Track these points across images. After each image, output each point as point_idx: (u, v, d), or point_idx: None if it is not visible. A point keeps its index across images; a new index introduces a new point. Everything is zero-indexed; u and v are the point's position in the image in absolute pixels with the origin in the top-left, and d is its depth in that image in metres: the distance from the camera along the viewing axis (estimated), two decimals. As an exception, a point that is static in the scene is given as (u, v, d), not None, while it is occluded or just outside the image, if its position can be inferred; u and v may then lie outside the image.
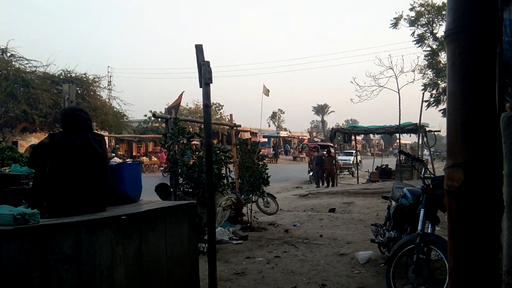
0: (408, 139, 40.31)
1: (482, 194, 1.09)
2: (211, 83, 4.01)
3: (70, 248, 2.56)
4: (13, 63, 21.23)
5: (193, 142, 6.56)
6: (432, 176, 4.32)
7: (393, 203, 4.60)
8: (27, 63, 21.61)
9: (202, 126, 4.67)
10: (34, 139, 25.72)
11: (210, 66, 4.07)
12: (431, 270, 3.40)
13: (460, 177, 1.11)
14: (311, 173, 20.11)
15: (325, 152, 18.89)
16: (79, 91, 22.04)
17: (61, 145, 3.03)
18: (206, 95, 3.99)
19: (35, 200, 3.04)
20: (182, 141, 6.17)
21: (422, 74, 16.18)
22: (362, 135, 23.77)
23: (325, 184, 17.13)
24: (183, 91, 8.07)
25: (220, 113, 39.06)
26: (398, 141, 16.79)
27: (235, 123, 8.63)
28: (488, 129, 1.11)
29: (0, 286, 2.26)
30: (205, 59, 4.10)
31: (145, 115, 33.93)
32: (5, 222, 2.39)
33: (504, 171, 2.54)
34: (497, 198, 1.11)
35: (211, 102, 4.28)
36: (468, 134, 1.11)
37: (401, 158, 15.46)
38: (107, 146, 3.40)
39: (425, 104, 14.72)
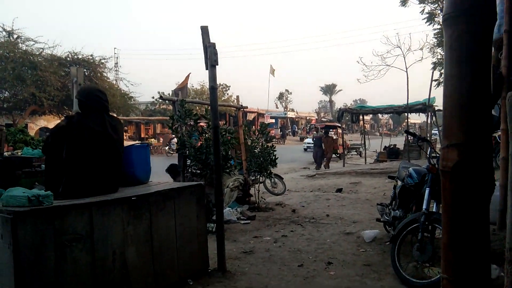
0: (417, 119, 39.98)
1: (475, 174, 1.13)
2: (217, 65, 4.03)
3: (83, 228, 2.66)
4: (20, 45, 21.28)
5: (200, 124, 6.61)
6: (438, 155, 4.33)
7: (399, 182, 4.63)
8: (33, 44, 21.65)
9: (209, 108, 4.70)
10: (44, 122, 26.02)
11: (216, 48, 4.08)
12: (435, 248, 3.45)
13: (454, 157, 1.15)
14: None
15: (322, 133, 18.57)
16: (86, 73, 22.10)
17: (78, 130, 3.08)
18: (212, 77, 4.01)
19: (50, 183, 3.12)
20: (189, 123, 6.22)
21: (431, 53, 15.92)
22: (371, 115, 23.64)
23: (324, 164, 16.97)
24: (189, 73, 8.07)
25: (227, 94, 39.00)
26: (406, 120, 16.66)
27: (241, 105, 8.64)
28: (482, 112, 1.14)
29: (17, 265, 2.36)
30: (211, 41, 4.11)
31: (153, 97, 34.02)
32: (20, 204, 2.48)
33: (509, 150, 2.54)
34: (489, 178, 1.15)
35: (218, 83, 4.30)
36: (463, 116, 1.15)
37: (409, 138, 15.39)
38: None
39: (434, 83, 14.54)
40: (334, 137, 22.03)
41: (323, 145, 17.18)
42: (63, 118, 3.28)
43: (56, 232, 2.52)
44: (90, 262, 2.69)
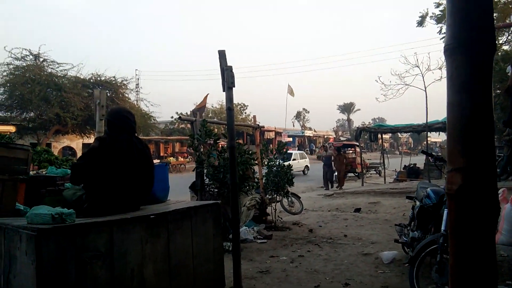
0: (438, 138, 39.31)
1: (479, 197, 1.15)
2: (234, 87, 4.14)
3: (104, 246, 2.73)
4: (46, 67, 22.14)
5: (220, 143, 6.71)
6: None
7: (418, 203, 4.58)
8: (58, 67, 22.49)
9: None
10: (67, 141, 26.71)
11: (233, 70, 4.20)
12: (455, 270, 3.39)
13: (458, 181, 1.18)
14: (336, 172, 20.01)
15: (329, 151, 17.64)
16: (108, 94, 22.76)
17: (109, 151, 3.21)
18: (229, 99, 4.11)
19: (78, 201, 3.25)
20: (209, 142, 6.32)
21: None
22: (390, 134, 23.40)
23: (336, 185, 16.24)
24: (208, 94, 8.26)
25: (245, 113, 39.34)
26: (426, 139, 16.44)
27: (258, 124, 8.75)
28: (483, 137, 1.18)
29: (39, 281, 2.44)
30: (229, 62, 4.24)
31: (172, 117, 34.63)
32: (44, 222, 2.58)
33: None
34: (493, 200, 1.17)
35: (235, 102, 4.40)
36: (464, 142, 1.18)
37: (429, 157, 15.16)
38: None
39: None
40: (352, 156, 21.86)
41: (333, 164, 16.50)
42: (94, 139, 3.40)
43: (77, 249, 2.60)
44: (109, 279, 2.74)
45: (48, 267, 2.47)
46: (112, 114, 3.47)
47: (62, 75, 22.52)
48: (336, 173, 16.74)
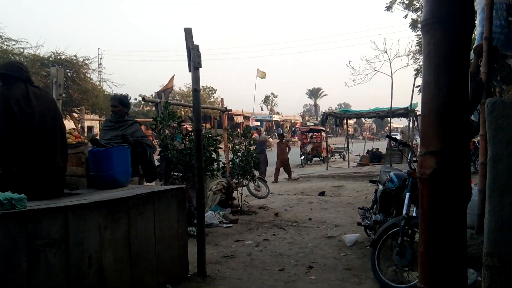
0: (399, 123, 40.57)
1: (452, 182, 1.13)
2: (200, 67, 4.00)
3: (58, 232, 2.59)
4: (0, 44, 20.81)
5: (185, 126, 6.55)
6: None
7: (380, 186, 4.66)
8: (14, 44, 21.20)
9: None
10: (24, 122, 25.37)
11: (200, 50, 4.05)
12: (415, 252, 3.48)
13: (431, 165, 1.15)
14: (302, 157, 20.24)
15: (262, 135, 15.04)
16: (69, 74, 21.81)
17: (2, 101, 2.96)
18: (195, 79, 3.97)
19: None
20: (172, 125, 6.15)
21: (414, 59, 16.20)
22: (354, 119, 23.88)
23: (273, 179, 12.98)
24: (174, 75, 8.00)
25: (213, 97, 38.87)
26: (389, 125, 16.88)
27: (226, 107, 8.61)
28: (459, 119, 1.15)
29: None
30: (196, 43, 4.08)
31: (135, 99, 33.66)
32: (-9, 207, 2.40)
33: (488, 156, 2.59)
34: (466, 186, 1.15)
35: (203, 85, 4.28)
36: (440, 124, 1.15)
37: (391, 142, 15.58)
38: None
39: (418, 89, 14.79)
40: (318, 140, 22.16)
41: (265, 150, 14.06)
42: None
43: (29, 236, 2.44)
44: (65, 267, 2.61)
45: (-3, 256, 2.30)
46: (3, 66, 3.24)
47: (18, 52, 21.25)
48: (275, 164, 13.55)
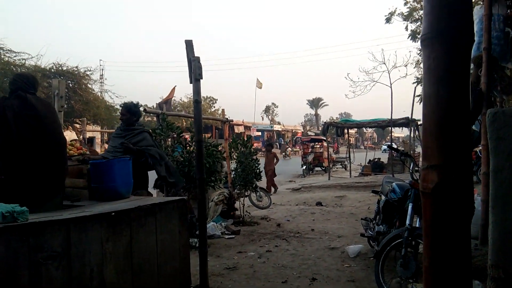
0: (401, 133, 40.58)
1: (455, 195, 1.12)
2: (201, 78, 4.01)
3: (60, 245, 2.57)
4: (1, 56, 20.95)
5: (184, 136, 6.55)
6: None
7: (383, 197, 4.65)
8: (15, 56, 21.33)
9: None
10: (26, 134, 25.39)
11: (201, 61, 4.07)
12: (418, 263, 3.45)
13: (434, 178, 1.14)
14: (304, 167, 20.19)
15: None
16: (70, 85, 21.88)
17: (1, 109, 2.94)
18: (197, 91, 3.99)
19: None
20: (172, 136, 6.16)
21: (417, 68, 16.29)
22: (356, 129, 23.89)
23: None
24: (175, 86, 8.09)
25: (214, 107, 38.99)
26: (390, 134, 16.87)
27: (227, 118, 8.64)
28: (460, 132, 1.14)
29: (-11, 284, 2.26)
30: (196, 55, 4.10)
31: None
32: (-7, 220, 2.39)
33: (490, 166, 2.58)
34: (469, 199, 1.15)
35: (204, 96, 4.29)
36: (441, 137, 1.14)
37: (392, 152, 15.56)
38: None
39: (418, 98, 14.83)
40: (320, 150, 22.12)
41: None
42: None
43: (30, 249, 2.43)
44: (66, 281, 2.58)
45: (-2, 269, 2.29)
46: (15, 77, 3.25)
47: (20, 63, 21.37)
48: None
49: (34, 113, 3.05)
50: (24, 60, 21.46)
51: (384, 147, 38.65)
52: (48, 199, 3.13)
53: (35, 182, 3.03)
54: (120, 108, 4.86)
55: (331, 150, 20.69)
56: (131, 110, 4.73)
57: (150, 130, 5.84)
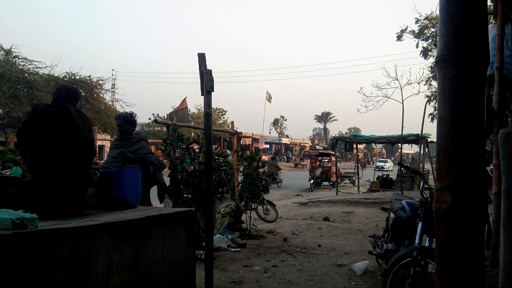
0: (410, 149, 40.26)
1: (469, 218, 1.11)
2: (213, 91, 4.05)
3: (67, 254, 2.58)
4: (17, 64, 21.37)
5: (193, 147, 6.57)
6: (430, 187, 4.32)
7: (392, 215, 4.59)
8: (30, 64, 21.75)
9: (202, 132, 4.70)
10: (37, 140, 25.69)
11: (212, 74, 4.11)
12: (427, 283, 3.39)
13: (447, 200, 1.13)
14: (311, 181, 20.09)
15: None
16: (83, 93, 22.17)
17: (42, 115, 3.07)
18: (208, 103, 4.02)
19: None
20: (181, 147, 6.18)
21: (427, 85, 16.28)
22: (364, 144, 23.76)
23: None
24: (186, 97, 8.09)
25: (223, 118, 39.17)
26: (399, 151, 16.74)
27: (236, 130, 8.66)
28: (474, 154, 1.13)
29: (-4, 290, 2.27)
30: (208, 67, 4.14)
31: (149, 118, 34.02)
32: (3, 227, 2.40)
33: (502, 186, 2.54)
34: (482, 221, 1.13)
35: (214, 107, 4.33)
36: (455, 158, 1.13)
37: (402, 169, 15.42)
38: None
39: (429, 116, 14.75)
40: (328, 165, 21.99)
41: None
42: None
43: (39, 257, 2.44)
44: (72, 290, 2.59)
45: (6, 275, 2.30)
46: (60, 87, 3.43)
47: (34, 72, 21.78)
48: None
49: (72, 123, 3.18)
50: (38, 69, 21.87)
51: (379, 164, 33.57)
52: (72, 206, 3.19)
53: (62, 188, 3.09)
54: (116, 120, 4.93)
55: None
56: (129, 121, 4.82)
57: (161, 140, 5.88)
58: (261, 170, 7.52)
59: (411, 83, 13.87)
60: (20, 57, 21.65)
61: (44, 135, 3.06)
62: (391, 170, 21.46)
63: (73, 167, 3.17)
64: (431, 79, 16.32)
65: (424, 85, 16.39)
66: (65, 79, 22.35)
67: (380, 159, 51.38)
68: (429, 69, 15.92)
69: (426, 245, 3.77)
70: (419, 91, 15.21)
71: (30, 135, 3.05)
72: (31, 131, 3.07)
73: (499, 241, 2.32)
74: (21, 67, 21.51)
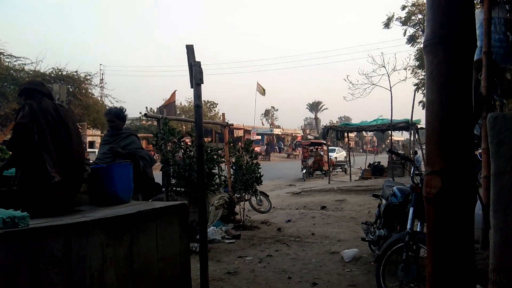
0: (400, 136, 40.56)
1: (459, 201, 1.12)
2: (202, 83, 4.02)
3: (60, 251, 2.56)
4: (2, 61, 20.99)
5: (185, 140, 6.55)
6: (421, 173, 4.37)
7: (384, 201, 4.64)
8: (15, 61, 21.39)
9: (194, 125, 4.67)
10: (25, 138, 25.35)
11: (201, 66, 4.08)
12: (420, 267, 3.44)
13: (437, 184, 1.14)
14: (304, 170, 20.18)
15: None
16: (70, 89, 21.90)
17: (42, 113, 3.03)
18: (197, 95, 3.99)
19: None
20: (173, 140, 6.16)
21: (413, 74, 16.35)
22: (355, 132, 23.89)
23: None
24: (175, 90, 8.07)
25: (215, 111, 38.99)
26: (390, 138, 16.86)
27: (227, 122, 8.63)
28: (463, 138, 1.14)
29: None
30: (197, 59, 4.11)
31: (140, 112, 33.74)
32: (-7, 226, 2.38)
33: (491, 170, 2.58)
34: (472, 204, 1.14)
35: (204, 100, 4.31)
36: (444, 143, 1.14)
37: (392, 156, 15.54)
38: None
39: (419, 103, 14.85)
40: (320, 153, 22.10)
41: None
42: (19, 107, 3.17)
43: (31, 255, 2.42)
44: (67, 286, 2.57)
45: (-2, 275, 2.28)
46: (30, 83, 3.38)
47: (20, 68, 21.42)
48: None
49: (71, 119, 3.21)
50: (23, 65, 21.52)
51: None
52: (69, 202, 3.21)
53: (62, 185, 3.09)
54: (106, 116, 4.89)
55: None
56: (119, 116, 4.78)
57: (152, 134, 5.84)
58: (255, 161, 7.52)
59: (397, 70, 13.92)
60: (5, 54, 21.26)
61: (55, 133, 3.05)
62: (345, 161, 21.53)
63: (75, 164, 3.18)
64: (417, 67, 16.39)
65: (411, 74, 16.49)
66: (52, 75, 22.02)
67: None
68: (414, 58, 16.00)
69: (418, 230, 3.82)
70: (406, 77, 15.30)
71: (38, 134, 2.97)
72: (38, 131, 2.99)
73: (489, 223, 2.35)
74: (7, 63, 21.14)
